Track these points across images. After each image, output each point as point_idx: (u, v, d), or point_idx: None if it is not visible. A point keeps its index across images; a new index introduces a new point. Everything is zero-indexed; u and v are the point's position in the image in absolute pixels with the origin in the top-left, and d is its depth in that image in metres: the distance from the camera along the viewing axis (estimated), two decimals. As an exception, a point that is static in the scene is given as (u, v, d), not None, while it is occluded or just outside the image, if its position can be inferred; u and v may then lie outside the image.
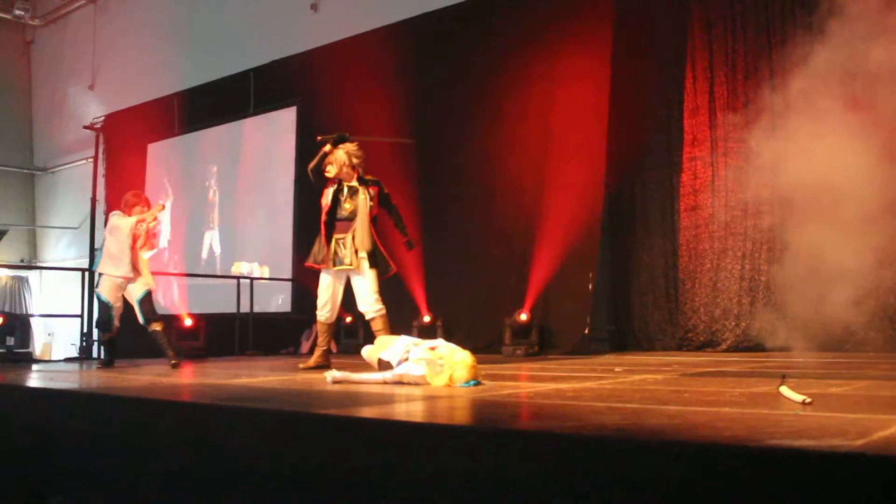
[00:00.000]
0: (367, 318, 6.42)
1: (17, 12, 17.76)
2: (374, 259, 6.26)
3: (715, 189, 8.44)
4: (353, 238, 6.27)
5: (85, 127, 16.24)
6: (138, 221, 6.79)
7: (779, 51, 7.86)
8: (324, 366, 5.93)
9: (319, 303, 6.53)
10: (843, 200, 7.50)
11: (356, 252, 6.26)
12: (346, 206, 6.35)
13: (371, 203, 6.30)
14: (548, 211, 8.89)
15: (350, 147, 6.40)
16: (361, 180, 6.39)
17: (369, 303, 6.31)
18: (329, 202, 6.41)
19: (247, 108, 13.33)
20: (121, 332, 7.10)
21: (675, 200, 8.69)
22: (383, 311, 6.30)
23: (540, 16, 9.40)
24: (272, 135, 12.98)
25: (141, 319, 6.82)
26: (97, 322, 6.85)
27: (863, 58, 7.24)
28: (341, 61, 11.11)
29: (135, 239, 6.77)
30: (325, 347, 6.49)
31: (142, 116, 15.09)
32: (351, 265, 6.28)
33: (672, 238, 8.70)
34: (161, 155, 15.25)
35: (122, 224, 6.78)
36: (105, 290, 6.85)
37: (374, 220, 6.33)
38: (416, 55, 10.46)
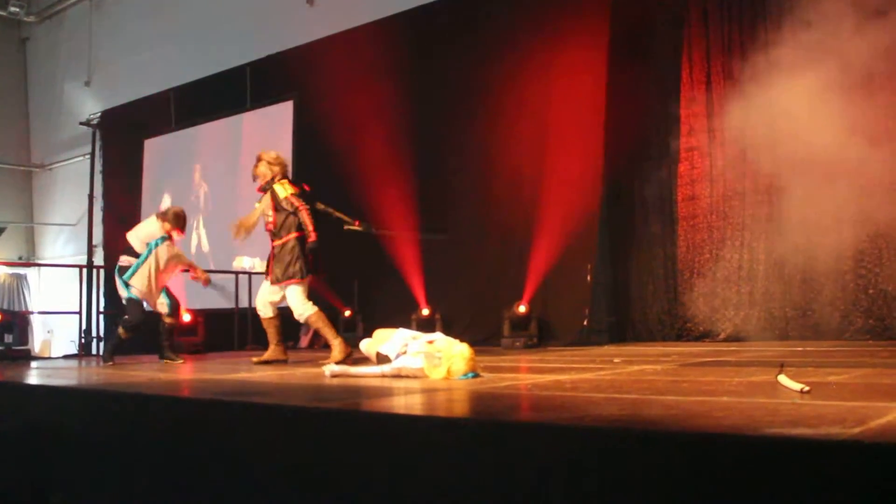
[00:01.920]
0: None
1: (13, 9, 17.73)
2: (276, 272, 6.39)
3: (712, 179, 8.44)
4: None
5: (81, 123, 16.23)
6: (177, 264, 7.03)
7: (775, 41, 7.85)
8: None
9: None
10: (840, 191, 7.51)
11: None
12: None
13: (270, 213, 6.46)
14: (546, 203, 8.88)
15: (269, 155, 6.63)
16: (264, 189, 6.58)
17: (294, 310, 6.49)
18: None
19: (243, 103, 13.31)
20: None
21: (673, 191, 8.69)
22: (310, 313, 6.42)
23: (537, 8, 9.39)
24: (269, 129, 12.96)
25: (167, 309, 7.04)
26: (128, 323, 6.82)
27: (859, 50, 7.24)
28: (338, 55, 11.09)
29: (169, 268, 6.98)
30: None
31: (138, 112, 15.09)
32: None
33: (670, 228, 8.70)
34: (158, 150, 15.23)
35: (162, 254, 6.97)
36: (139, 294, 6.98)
37: (280, 229, 6.43)
38: (412, 48, 10.44)
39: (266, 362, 6.38)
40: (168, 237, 7.00)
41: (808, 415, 2.20)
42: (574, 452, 2.05)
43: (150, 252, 6.96)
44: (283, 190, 6.42)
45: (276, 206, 6.40)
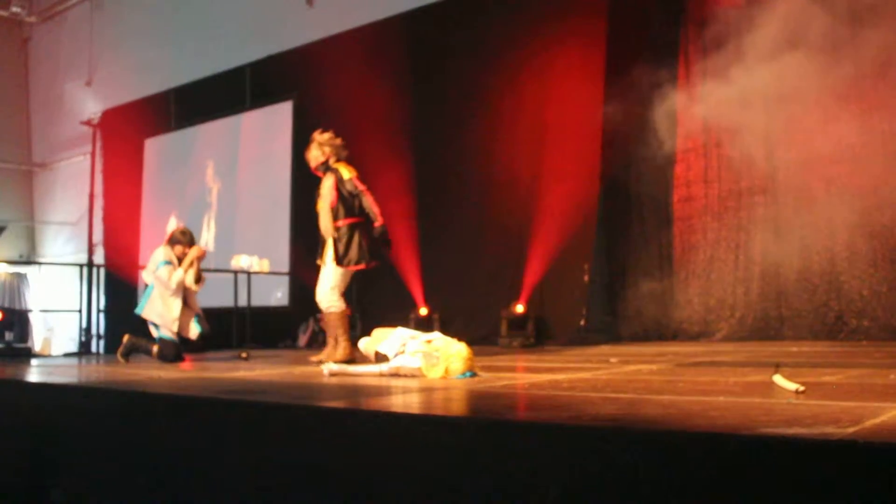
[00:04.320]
0: (322, 311, 6.33)
1: (14, 9, 17.74)
2: (334, 250, 6.12)
3: (708, 180, 8.47)
4: (322, 233, 6.24)
5: (82, 123, 16.26)
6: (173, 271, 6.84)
7: (773, 42, 7.87)
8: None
9: None
10: (835, 193, 7.55)
11: (322, 245, 6.25)
12: (317, 203, 6.36)
13: (332, 194, 6.19)
14: (543, 203, 8.91)
15: (322, 137, 6.36)
16: (325, 170, 6.33)
17: (319, 295, 6.24)
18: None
19: (243, 103, 13.33)
20: (125, 330, 7.17)
21: (669, 192, 8.72)
22: (332, 309, 6.15)
23: (535, 9, 9.41)
24: (268, 129, 12.98)
25: (198, 330, 6.89)
26: (162, 359, 6.69)
27: (857, 53, 7.27)
28: (337, 56, 11.12)
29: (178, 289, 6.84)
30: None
31: (139, 112, 15.11)
32: (321, 260, 6.26)
33: (666, 229, 8.73)
34: (158, 150, 15.25)
35: (163, 275, 6.81)
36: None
37: (338, 211, 6.17)
38: (411, 49, 10.47)
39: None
40: (169, 262, 6.84)
41: (803, 414, 2.21)
42: (571, 451, 2.07)
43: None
44: (347, 171, 6.23)
45: (339, 187, 6.20)
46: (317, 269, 6.44)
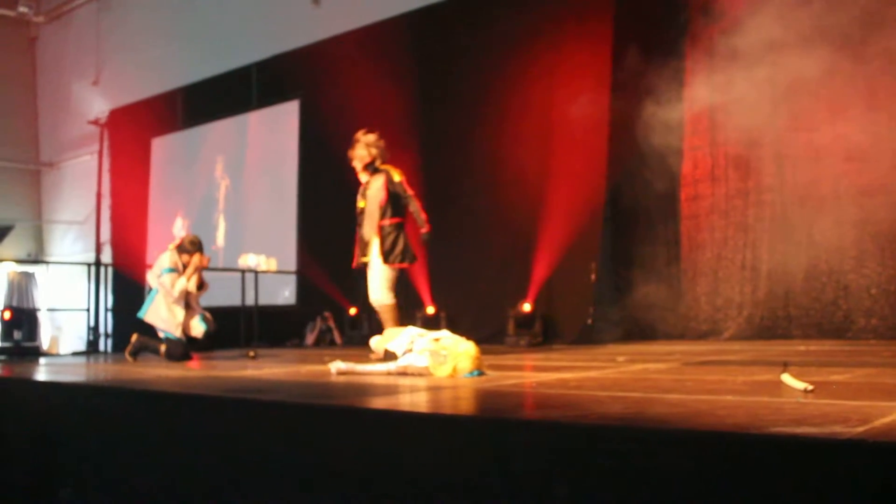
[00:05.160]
0: (375, 308, 6.47)
1: (22, 9, 17.77)
2: (381, 247, 6.29)
3: (715, 178, 8.46)
4: (365, 231, 6.39)
5: (89, 122, 16.31)
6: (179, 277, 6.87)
7: (780, 40, 7.86)
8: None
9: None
10: (843, 191, 7.53)
11: (366, 244, 6.39)
12: (360, 202, 6.50)
13: (381, 193, 6.36)
14: (550, 202, 8.90)
15: (368, 138, 6.46)
16: (374, 171, 6.42)
17: (373, 293, 6.38)
18: (357, 200, 6.57)
19: (249, 103, 13.35)
20: (132, 329, 7.19)
21: (676, 190, 8.70)
22: (384, 302, 6.34)
23: (541, 7, 9.40)
24: (275, 129, 13.00)
25: (202, 328, 6.93)
26: (170, 358, 6.71)
27: (864, 46, 7.25)
28: (343, 55, 11.12)
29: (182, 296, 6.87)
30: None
31: (145, 112, 15.15)
32: (365, 257, 6.42)
33: (673, 227, 8.71)
34: (165, 150, 15.28)
35: (166, 281, 6.84)
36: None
37: (386, 210, 6.35)
38: (418, 48, 10.47)
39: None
40: (174, 269, 6.86)
41: (812, 414, 2.21)
42: (580, 450, 2.07)
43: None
44: (397, 174, 6.43)
45: (388, 187, 6.39)
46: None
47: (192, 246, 7.05)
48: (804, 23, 7.32)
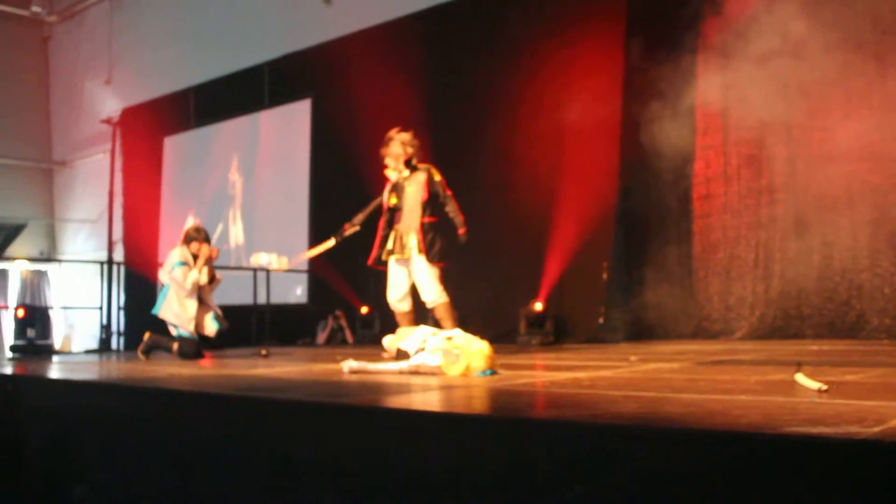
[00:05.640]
0: (428, 306, 6.48)
1: (35, 9, 17.85)
2: (423, 245, 6.30)
3: (727, 177, 8.43)
4: (402, 227, 6.39)
5: (102, 121, 16.38)
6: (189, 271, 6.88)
7: (793, 39, 7.83)
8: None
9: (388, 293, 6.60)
10: (856, 190, 7.49)
11: (399, 241, 6.38)
12: (391, 199, 6.48)
13: (422, 192, 6.38)
14: (562, 201, 8.89)
15: (403, 136, 6.44)
16: (412, 169, 6.44)
17: (427, 294, 6.37)
18: (386, 197, 6.54)
19: (261, 102, 13.39)
20: (144, 327, 7.20)
21: (689, 189, 8.68)
22: (441, 300, 6.34)
23: (553, 6, 9.39)
24: (287, 127, 13.03)
25: (215, 327, 6.95)
26: (183, 357, 6.71)
27: (878, 44, 7.21)
28: (355, 54, 11.14)
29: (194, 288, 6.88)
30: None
31: (158, 110, 15.22)
32: (400, 254, 6.39)
33: (686, 227, 8.69)
34: (177, 148, 15.34)
35: (178, 276, 6.84)
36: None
37: (426, 208, 6.37)
38: (429, 47, 10.47)
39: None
40: (184, 262, 6.87)
41: (826, 414, 2.20)
42: (593, 449, 2.06)
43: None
44: (437, 173, 6.46)
45: (430, 187, 6.40)
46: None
47: (196, 233, 7.06)
48: (817, 21, 7.30)
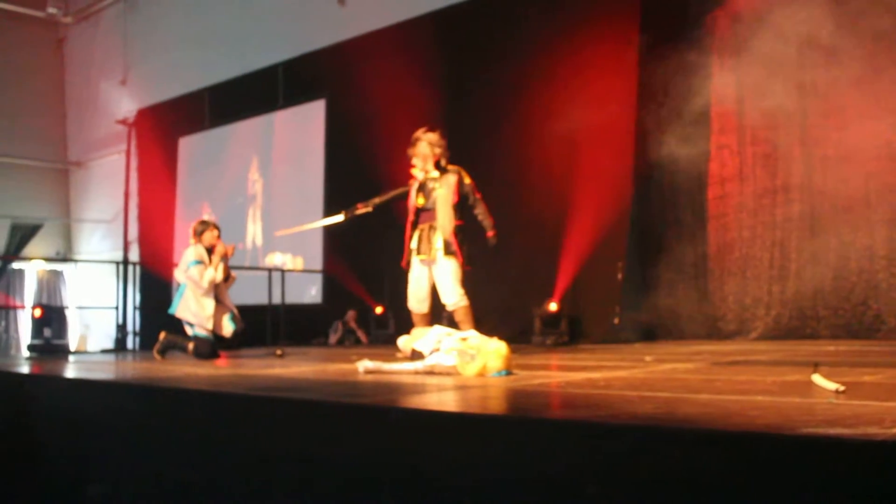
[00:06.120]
0: (448, 309, 6.43)
1: (50, 10, 17.98)
2: (454, 246, 6.26)
3: (743, 177, 8.40)
4: (432, 227, 6.32)
5: (117, 122, 16.47)
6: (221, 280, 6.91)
7: (808, 38, 7.79)
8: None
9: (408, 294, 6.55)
10: (873, 189, 7.44)
11: (427, 242, 6.32)
12: (419, 200, 6.42)
13: (453, 194, 6.32)
14: (577, 201, 8.87)
15: (430, 136, 6.39)
16: (442, 170, 6.40)
17: (447, 296, 6.32)
18: (413, 197, 6.48)
19: (276, 102, 13.42)
20: (160, 327, 7.23)
21: (704, 189, 8.65)
22: (462, 303, 6.31)
23: (567, 6, 9.38)
24: (301, 128, 13.05)
25: (232, 327, 6.96)
26: (198, 357, 6.71)
27: (895, 42, 7.16)
28: (369, 54, 11.15)
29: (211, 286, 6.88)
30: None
31: (172, 111, 15.28)
32: (426, 254, 6.33)
33: (701, 227, 8.66)
34: (192, 148, 15.39)
35: (194, 274, 6.84)
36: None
37: (455, 211, 6.33)
38: (443, 47, 10.47)
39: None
40: (200, 261, 6.87)
41: (844, 414, 2.19)
42: (610, 450, 2.06)
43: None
44: (467, 177, 6.43)
45: (460, 189, 6.36)
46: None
47: (203, 225, 7.07)
48: (832, 20, 7.26)
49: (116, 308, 12.80)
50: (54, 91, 19.04)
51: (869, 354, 5.22)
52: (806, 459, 1.76)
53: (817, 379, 2.99)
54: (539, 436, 2.24)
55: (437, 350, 4.25)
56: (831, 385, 2.83)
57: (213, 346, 6.81)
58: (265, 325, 11.08)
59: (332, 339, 11.18)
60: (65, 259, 18.50)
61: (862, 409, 2.30)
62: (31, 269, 18.60)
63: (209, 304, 6.84)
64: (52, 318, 9.24)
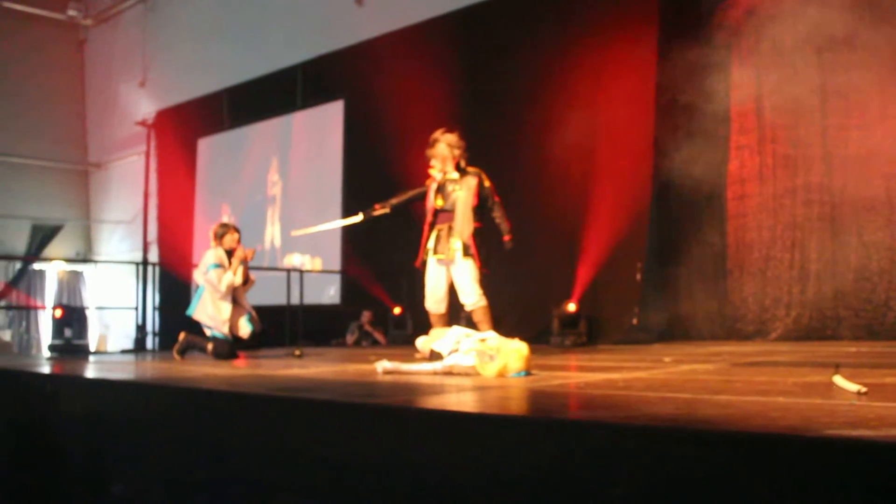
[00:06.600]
0: (466, 309, 6.44)
1: (71, 13, 18.13)
2: (472, 248, 6.27)
3: (763, 177, 8.35)
4: (450, 228, 6.32)
5: (137, 123, 16.56)
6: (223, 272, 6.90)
7: (827, 34, 7.73)
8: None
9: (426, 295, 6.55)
10: (894, 189, 7.38)
11: (445, 243, 6.32)
12: (437, 201, 6.41)
13: (473, 196, 6.32)
14: (596, 201, 8.86)
15: (449, 137, 6.38)
16: (462, 172, 6.39)
17: (466, 296, 6.33)
18: (431, 198, 6.47)
19: (294, 103, 13.46)
20: (179, 327, 7.26)
21: (723, 189, 8.61)
22: (480, 304, 6.32)
23: (585, 5, 9.36)
24: (320, 129, 13.09)
25: (249, 329, 6.99)
26: (217, 357, 6.73)
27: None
28: (387, 55, 11.16)
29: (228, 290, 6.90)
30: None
31: (192, 112, 15.36)
32: (444, 254, 6.33)
33: (720, 227, 8.62)
34: (211, 149, 15.46)
35: (213, 278, 6.86)
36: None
37: (475, 213, 6.32)
38: (461, 47, 10.47)
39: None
40: (219, 265, 6.88)
41: (867, 416, 2.17)
42: (630, 451, 2.05)
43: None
44: (487, 179, 6.44)
45: (480, 191, 6.37)
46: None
47: (224, 228, 7.09)
48: (853, 19, 7.21)
49: (136, 308, 12.89)
50: (74, 92, 19.18)
51: (890, 356, 5.18)
52: (828, 461, 1.75)
53: (838, 380, 2.97)
54: (559, 437, 2.23)
55: (456, 350, 4.25)
56: (853, 387, 2.80)
57: (231, 347, 6.84)
58: (284, 326, 11.11)
59: (349, 339, 11.21)
60: (85, 260, 18.63)
61: (884, 411, 2.28)
62: (52, 270, 18.75)
63: (226, 308, 6.87)
64: (72, 318, 9.28)
